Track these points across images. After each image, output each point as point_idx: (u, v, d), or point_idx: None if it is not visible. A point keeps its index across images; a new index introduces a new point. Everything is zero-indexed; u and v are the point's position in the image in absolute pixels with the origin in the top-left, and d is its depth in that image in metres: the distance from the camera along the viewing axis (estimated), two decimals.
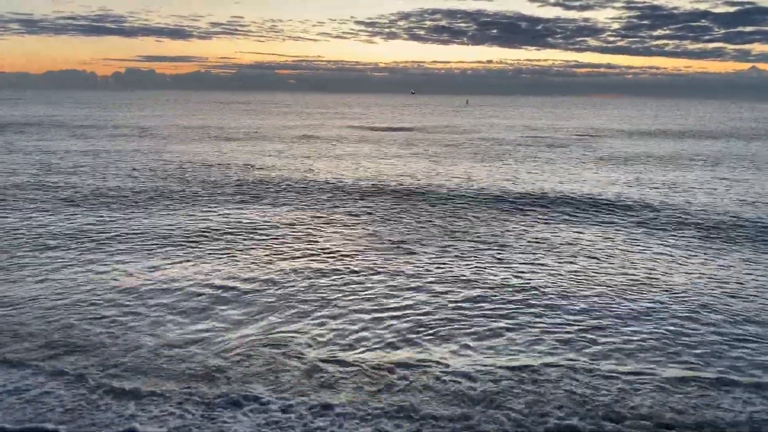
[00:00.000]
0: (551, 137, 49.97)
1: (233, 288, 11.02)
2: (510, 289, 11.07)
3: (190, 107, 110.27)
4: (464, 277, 11.72)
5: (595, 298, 10.73)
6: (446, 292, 10.88)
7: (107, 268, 12.09)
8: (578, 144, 43.72)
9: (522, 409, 7.04)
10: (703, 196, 21.57)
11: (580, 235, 15.44)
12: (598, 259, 13.25)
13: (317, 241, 14.35)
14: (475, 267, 12.43)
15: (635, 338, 9.03)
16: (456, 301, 10.43)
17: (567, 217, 17.46)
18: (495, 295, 10.73)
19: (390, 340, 8.86)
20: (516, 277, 11.85)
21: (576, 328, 9.36)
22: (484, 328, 9.33)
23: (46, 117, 67.01)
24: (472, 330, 9.23)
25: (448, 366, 8.06)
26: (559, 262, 12.90)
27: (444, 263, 12.68)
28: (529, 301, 10.50)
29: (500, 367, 8.04)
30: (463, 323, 9.49)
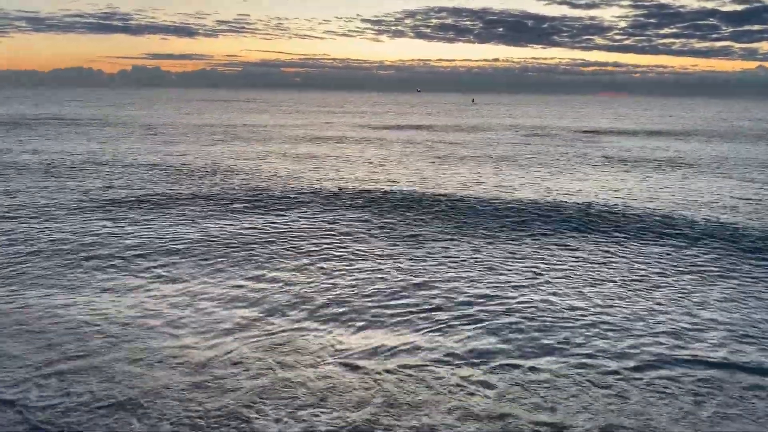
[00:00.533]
0: (559, 136, 49.75)
1: (238, 301, 10.87)
2: (520, 295, 10.88)
3: (196, 105, 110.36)
4: (474, 282, 11.53)
5: (599, 306, 10.52)
6: (457, 296, 10.69)
7: (105, 285, 11.93)
8: (586, 144, 43.46)
9: (540, 417, 6.85)
10: (714, 200, 21.30)
11: (587, 243, 15.22)
12: (604, 269, 13.03)
13: (324, 248, 14.18)
14: (484, 272, 12.23)
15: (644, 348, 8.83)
16: (466, 305, 10.24)
17: (575, 224, 17.22)
18: (507, 300, 10.55)
19: (398, 345, 8.68)
20: (525, 284, 11.66)
21: (586, 329, 9.18)
22: (494, 331, 9.14)
23: (54, 115, 67.14)
24: (482, 334, 9.05)
25: (459, 368, 7.88)
26: (565, 271, 12.69)
27: (454, 268, 12.48)
28: (538, 306, 10.29)
29: (511, 371, 7.86)
30: (472, 327, 9.30)
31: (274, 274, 11.97)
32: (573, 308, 10.36)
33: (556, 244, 14.58)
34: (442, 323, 9.62)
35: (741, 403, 7.42)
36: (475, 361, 8.36)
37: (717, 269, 12.78)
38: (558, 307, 10.40)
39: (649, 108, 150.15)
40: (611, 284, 11.70)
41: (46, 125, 51.95)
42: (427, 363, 8.26)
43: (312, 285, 11.34)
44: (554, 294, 11.07)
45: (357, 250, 13.82)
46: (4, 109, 77.86)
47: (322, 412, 7.02)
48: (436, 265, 12.66)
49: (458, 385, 7.69)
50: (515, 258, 13.36)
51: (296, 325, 9.47)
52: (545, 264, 12.93)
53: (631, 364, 8.35)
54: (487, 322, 9.68)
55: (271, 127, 55.60)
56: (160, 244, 13.89)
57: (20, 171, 25.08)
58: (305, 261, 12.85)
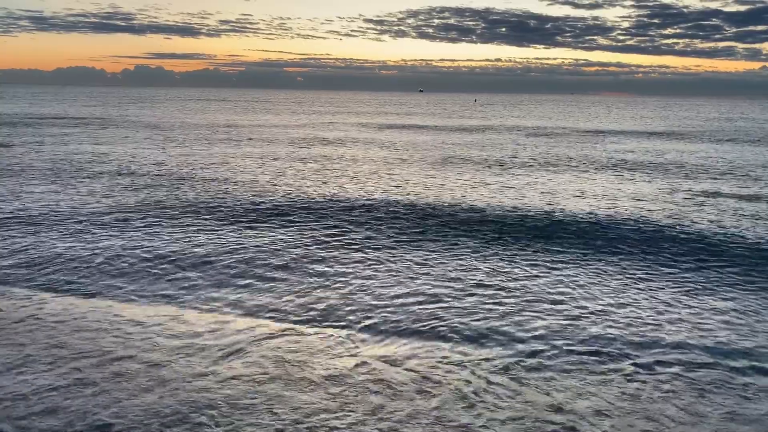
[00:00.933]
0: (565, 139, 49.71)
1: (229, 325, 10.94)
2: (530, 297, 11.01)
3: (198, 106, 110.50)
4: (480, 285, 11.66)
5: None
6: (465, 300, 10.82)
7: (121, 292, 12.01)
8: (593, 147, 43.38)
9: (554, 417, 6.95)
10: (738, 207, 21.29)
11: (595, 248, 15.28)
12: (613, 274, 13.12)
13: (335, 254, 14.27)
14: (490, 274, 12.35)
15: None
16: (472, 307, 10.37)
17: (583, 230, 17.26)
18: (516, 303, 10.67)
19: (412, 347, 8.81)
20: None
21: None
22: (504, 334, 9.27)
23: (58, 113, 67.34)
24: (492, 336, 9.18)
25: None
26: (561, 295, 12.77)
27: (462, 272, 12.60)
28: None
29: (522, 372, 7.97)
30: (480, 330, 9.44)
31: (289, 279, 12.09)
32: (583, 309, 10.47)
33: (564, 250, 14.66)
34: (451, 326, 9.73)
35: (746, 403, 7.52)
36: (484, 361, 8.49)
37: (726, 271, 12.88)
38: (568, 311, 10.51)
39: (655, 109, 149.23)
40: (622, 288, 11.80)
41: (55, 125, 52.12)
42: (439, 365, 8.37)
43: (325, 291, 11.45)
44: (565, 296, 11.18)
45: (367, 253, 13.92)
46: (11, 108, 78.06)
47: (337, 417, 7.13)
48: (444, 269, 12.77)
49: (474, 389, 7.81)
50: (523, 262, 13.46)
51: (313, 331, 9.59)
52: (553, 270, 13.03)
53: (642, 363, 8.47)
54: (494, 324, 9.79)
55: (289, 128, 55.73)
56: (174, 253, 13.99)
57: (32, 172, 25.21)
58: (318, 268, 12.95)
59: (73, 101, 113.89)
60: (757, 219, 18.15)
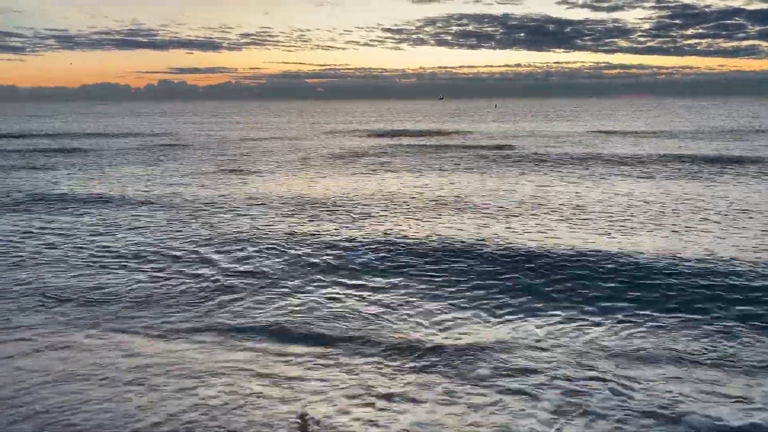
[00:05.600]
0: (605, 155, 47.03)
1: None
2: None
3: (224, 121, 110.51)
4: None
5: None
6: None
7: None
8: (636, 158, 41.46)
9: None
10: None
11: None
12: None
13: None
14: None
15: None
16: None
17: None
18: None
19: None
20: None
21: None
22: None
23: (81, 129, 68.52)
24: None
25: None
26: None
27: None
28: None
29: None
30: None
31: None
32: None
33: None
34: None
35: None
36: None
37: None
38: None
39: (704, 110, 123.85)
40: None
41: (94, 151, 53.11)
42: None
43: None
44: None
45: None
46: (57, 125, 79.15)
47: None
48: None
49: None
50: None
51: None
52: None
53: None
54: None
55: (311, 144, 55.88)
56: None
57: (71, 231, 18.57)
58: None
59: (114, 118, 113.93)
60: None
